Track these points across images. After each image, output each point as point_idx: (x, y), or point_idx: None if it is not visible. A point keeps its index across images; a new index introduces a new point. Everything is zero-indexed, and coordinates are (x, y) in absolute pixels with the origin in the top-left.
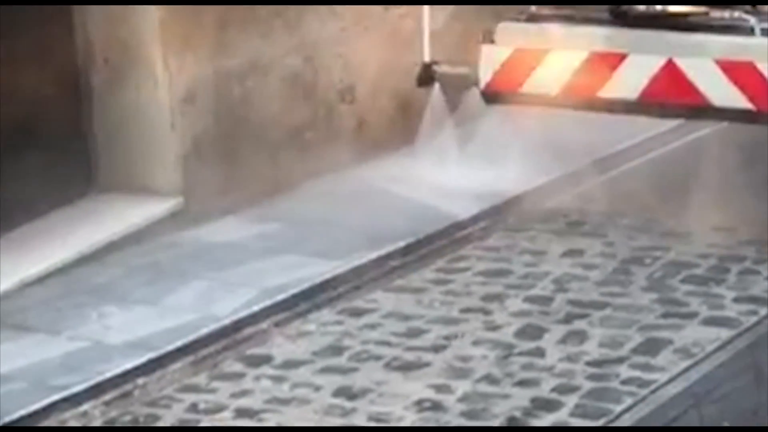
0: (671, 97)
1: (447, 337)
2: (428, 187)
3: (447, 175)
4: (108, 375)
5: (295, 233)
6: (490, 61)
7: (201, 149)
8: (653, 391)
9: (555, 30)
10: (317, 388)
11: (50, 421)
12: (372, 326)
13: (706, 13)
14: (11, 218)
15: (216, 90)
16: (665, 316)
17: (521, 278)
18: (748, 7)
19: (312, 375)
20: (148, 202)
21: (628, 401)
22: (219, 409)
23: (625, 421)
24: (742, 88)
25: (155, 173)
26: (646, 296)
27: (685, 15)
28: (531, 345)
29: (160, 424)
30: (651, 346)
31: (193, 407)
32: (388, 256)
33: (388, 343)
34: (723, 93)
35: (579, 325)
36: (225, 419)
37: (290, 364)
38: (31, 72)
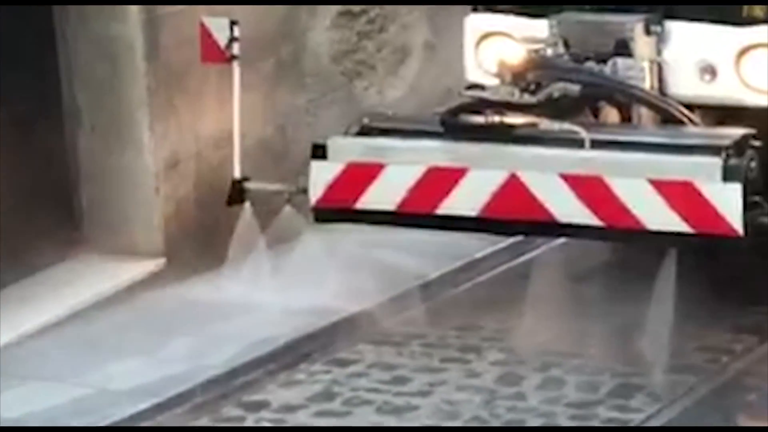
0: (514, 213)
1: None
2: None
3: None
4: (117, 418)
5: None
6: (320, 176)
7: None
8: None
9: (390, 143)
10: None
11: None
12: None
13: (535, 125)
14: (5, 276)
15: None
16: None
17: None
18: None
19: (309, 418)
20: (132, 263)
21: None
22: None
23: None
24: (590, 204)
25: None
26: None
27: (517, 126)
28: None
29: None
30: None
31: None
32: None
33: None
34: (569, 209)
35: None
36: None
37: (287, 409)
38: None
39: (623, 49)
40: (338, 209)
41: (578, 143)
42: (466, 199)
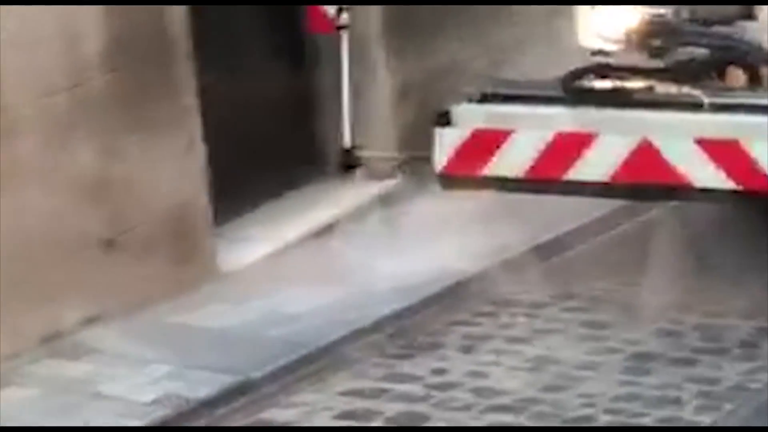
0: (646, 177)
1: None
2: None
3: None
4: (386, 312)
5: None
6: (446, 143)
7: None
8: None
9: (516, 110)
10: None
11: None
12: None
13: (652, 89)
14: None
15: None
16: None
17: None
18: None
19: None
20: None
21: None
22: None
23: None
24: (725, 168)
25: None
26: None
27: (637, 91)
28: None
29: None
30: None
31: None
32: None
33: None
34: (704, 173)
35: None
36: None
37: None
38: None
39: (748, 12)
40: (464, 176)
41: (698, 107)
42: (596, 164)
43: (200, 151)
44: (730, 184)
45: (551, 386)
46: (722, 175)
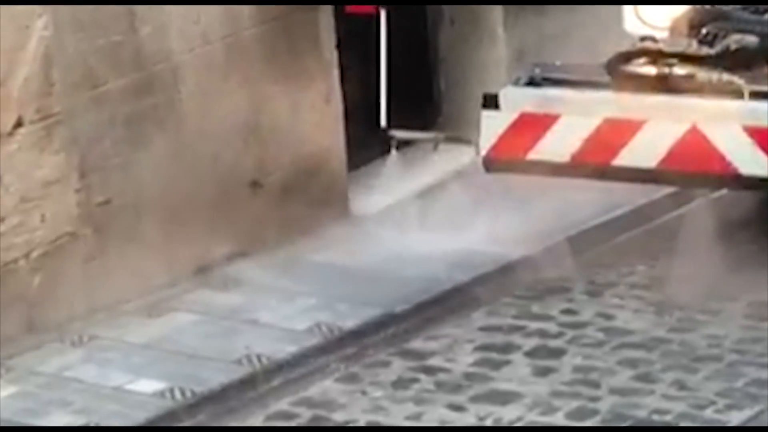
0: (694, 165)
1: None
2: None
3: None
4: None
5: None
6: (492, 126)
7: None
8: None
9: (565, 94)
10: None
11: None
12: None
13: (693, 76)
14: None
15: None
16: None
17: None
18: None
19: None
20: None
21: None
22: None
23: None
24: None
25: None
26: None
27: (678, 77)
28: None
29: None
30: None
31: None
32: None
33: None
34: (752, 161)
35: None
36: None
37: None
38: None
39: None
40: (510, 160)
41: (738, 94)
42: (644, 150)
43: (338, 102)
44: None
45: (677, 328)
46: None
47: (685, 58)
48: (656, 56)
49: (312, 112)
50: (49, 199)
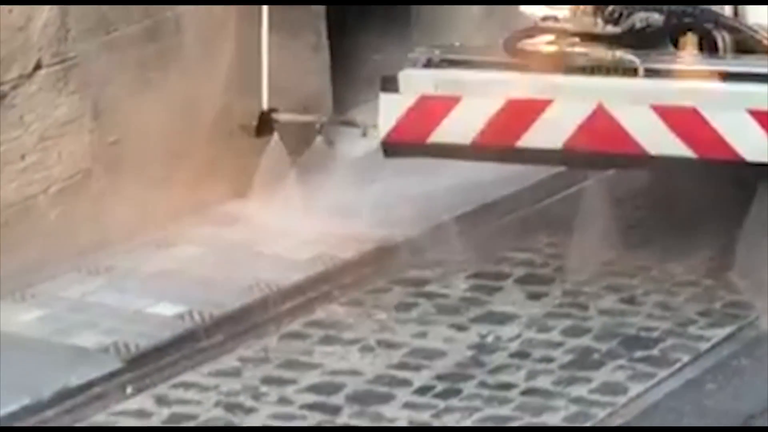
0: (601, 145)
1: None
2: None
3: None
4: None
5: None
6: (391, 110)
7: None
8: None
9: (466, 75)
10: None
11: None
12: None
13: (587, 54)
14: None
15: None
16: None
17: None
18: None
19: None
20: None
21: None
22: None
23: None
24: (683, 136)
25: None
26: None
27: (571, 55)
28: None
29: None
30: None
31: None
32: None
33: None
34: (661, 141)
35: None
36: None
37: None
38: None
39: None
40: (410, 144)
41: (632, 72)
42: (549, 131)
43: (325, 50)
44: (686, 152)
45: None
46: (679, 142)
47: (588, 37)
48: (558, 35)
49: (301, 60)
50: (65, 138)
